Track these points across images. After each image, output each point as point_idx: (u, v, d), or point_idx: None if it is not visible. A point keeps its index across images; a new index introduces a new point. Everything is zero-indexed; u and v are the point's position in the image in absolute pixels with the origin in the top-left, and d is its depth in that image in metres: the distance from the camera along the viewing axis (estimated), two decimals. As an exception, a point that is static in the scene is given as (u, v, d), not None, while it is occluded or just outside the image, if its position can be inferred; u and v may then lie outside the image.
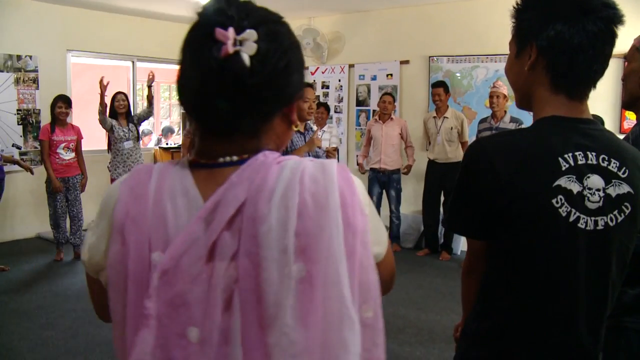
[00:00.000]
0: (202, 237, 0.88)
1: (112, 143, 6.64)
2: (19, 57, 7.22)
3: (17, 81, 7.23)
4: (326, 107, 7.48)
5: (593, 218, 1.28)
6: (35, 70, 7.37)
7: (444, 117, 6.57)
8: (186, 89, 0.96)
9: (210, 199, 0.90)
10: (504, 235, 1.31)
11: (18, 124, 7.25)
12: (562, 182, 1.26)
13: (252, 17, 0.92)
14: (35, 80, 7.39)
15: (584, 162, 1.28)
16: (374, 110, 7.76)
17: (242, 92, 0.90)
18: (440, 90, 6.52)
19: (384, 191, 7.08)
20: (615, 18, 1.28)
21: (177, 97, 1.01)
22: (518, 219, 1.28)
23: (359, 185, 0.96)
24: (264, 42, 0.90)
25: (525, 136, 1.34)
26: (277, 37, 0.94)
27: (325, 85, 8.42)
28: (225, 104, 0.91)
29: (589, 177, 1.28)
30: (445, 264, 6.55)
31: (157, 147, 9.25)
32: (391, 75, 7.71)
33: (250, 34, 0.89)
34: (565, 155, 1.27)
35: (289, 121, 1.03)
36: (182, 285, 0.88)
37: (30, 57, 7.30)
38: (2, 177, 5.96)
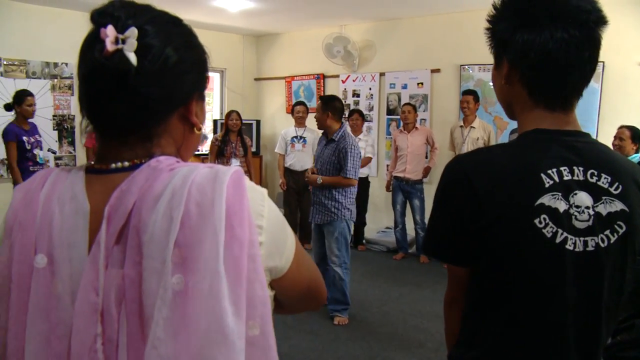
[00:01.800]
0: (97, 252, 0.86)
1: None
2: (55, 65, 7.36)
3: (53, 88, 7.38)
4: (361, 114, 7.48)
5: (582, 238, 1.17)
6: (71, 77, 7.51)
7: (471, 127, 6.47)
8: (79, 91, 0.95)
9: (105, 210, 0.87)
10: (485, 259, 1.20)
11: (53, 130, 7.38)
12: (546, 200, 1.16)
13: (140, 16, 0.92)
14: (70, 87, 7.53)
15: (569, 177, 1.18)
16: (404, 120, 7.72)
17: (127, 91, 0.89)
18: (469, 98, 6.42)
19: (407, 201, 7.03)
20: (590, 22, 1.18)
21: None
22: (499, 242, 1.18)
23: (256, 194, 0.92)
24: (153, 40, 0.90)
25: (505, 151, 1.26)
26: (167, 35, 0.93)
27: (355, 94, 8.40)
28: (111, 104, 0.91)
29: (575, 194, 1.18)
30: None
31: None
32: (422, 84, 7.65)
33: (131, 32, 0.88)
34: (549, 171, 1.17)
35: (189, 123, 1.00)
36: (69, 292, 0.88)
37: (66, 64, 7.44)
38: None
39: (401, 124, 7.49)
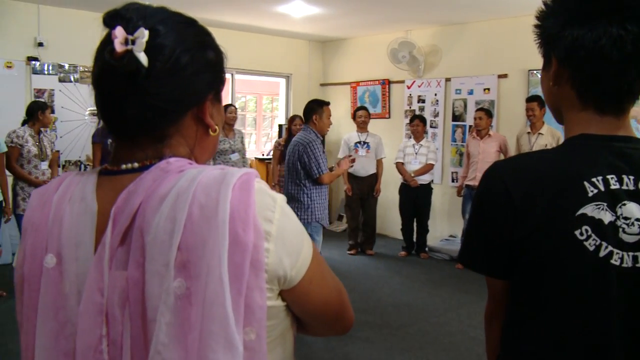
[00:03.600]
0: (102, 252, 0.86)
1: (217, 155, 6.83)
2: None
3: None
4: (422, 119, 7.39)
5: (632, 253, 1.07)
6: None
7: (539, 133, 6.27)
8: (95, 93, 0.96)
9: (111, 211, 0.88)
10: (522, 272, 1.13)
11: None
12: (588, 210, 1.07)
13: (152, 18, 0.91)
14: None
15: (617, 187, 1.08)
16: (470, 126, 7.55)
17: (137, 91, 0.89)
18: (534, 104, 6.22)
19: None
20: None
21: None
22: (537, 254, 1.10)
23: (267, 198, 0.89)
24: (165, 40, 0.90)
25: (546, 158, 1.18)
26: (179, 36, 0.92)
27: (420, 100, 8.29)
28: (122, 105, 0.90)
29: (624, 204, 1.07)
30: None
31: (253, 158, 9.46)
32: (488, 89, 7.47)
33: (141, 32, 0.87)
34: (593, 179, 1.08)
35: (204, 124, 0.99)
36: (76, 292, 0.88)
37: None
38: None
39: (467, 130, 7.38)
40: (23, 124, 5.65)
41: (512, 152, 6.72)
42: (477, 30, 7.58)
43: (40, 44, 7.00)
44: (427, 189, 7.39)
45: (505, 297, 1.22)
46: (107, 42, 0.90)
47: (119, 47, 0.86)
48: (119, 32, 0.87)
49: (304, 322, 1.04)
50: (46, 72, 7.11)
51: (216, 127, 1.00)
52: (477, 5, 6.67)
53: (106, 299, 0.85)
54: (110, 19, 0.91)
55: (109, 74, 0.90)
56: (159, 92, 0.90)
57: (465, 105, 7.75)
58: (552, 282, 1.10)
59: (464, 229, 6.91)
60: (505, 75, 7.30)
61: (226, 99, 9.41)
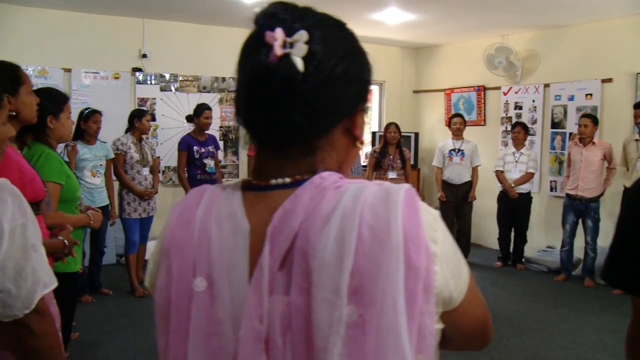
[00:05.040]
0: (260, 276, 0.82)
1: None
2: (223, 79, 7.88)
3: (221, 101, 7.89)
4: (524, 126, 7.21)
5: None
6: (237, 91, 7.96)
7: (648, 140, 5.94)
8: (237, 98, 0.91)
9: (267, 231, 0.82)
10: None
11: (220, 140, 7.83)
12: None
13: (307, 20, 0.85)
14: (236, 100, 7.98)
15: None
16: (570, 133, 7.27)
17: (293, 99, 0.83)
18: (643, 111, 5.88)
19: (579, 220, 6.56)
20: None
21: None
22: None
23: (429, 217, 0.84)
24: (320, 46, 0.84)
25: None
26: (334, 41, 0.86)
27: (518, 106, 8.05)
28: (275, 112, 0.84)
29: None
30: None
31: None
32: (591, 95, 7.14)
33: (301, 35, 0.82)
34: None
35: (352, 137, 0.93)
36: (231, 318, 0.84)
37: (233, 78, 7.86)
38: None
39: (567, 137, 7.11)
40: (126, 131, 5.92)
41: (617, 160, 6.41)
42: (578, 33, 7.28)
43: (144, 56, 7.36)
44: (526, 198, 7.17)
45: None
46: (258, 44, 0.84)
47: (278, 50, 0.81)
48: (279, 34, 0.81)
49: (451, 338, 0.97)
50: (149, 82, 7.45)
51: (363, 139, 0.95)
52: (578, 7, 6.41)
53: (266, 326, 0.81)
54: (265, 19, 0.85)
55: (264, 78, 0.83)
56: (316, 100, 0.84)
57: (566, 112, 7.45)
58: None
59: (563, 239, 6.65)
60: (609, 80, 6.94)
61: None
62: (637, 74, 6.65)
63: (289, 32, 0.83)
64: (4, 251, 1.40)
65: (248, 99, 0.88)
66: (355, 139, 0.94)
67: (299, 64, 0.81)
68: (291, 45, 0.82)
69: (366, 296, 0.76)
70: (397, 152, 7.05)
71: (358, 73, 0.91)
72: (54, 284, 1.53)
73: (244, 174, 7.81)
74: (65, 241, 2.39)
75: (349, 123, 0.92)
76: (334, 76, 0.85)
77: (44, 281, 1.49)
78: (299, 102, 0.83)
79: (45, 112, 2.84)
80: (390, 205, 0.79)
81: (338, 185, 0.84)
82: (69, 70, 6.92)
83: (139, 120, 5.79)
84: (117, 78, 7.26)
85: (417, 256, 0.78)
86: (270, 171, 0.89)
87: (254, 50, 0.85)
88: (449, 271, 0.84)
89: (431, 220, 0.84)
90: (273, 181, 0.88)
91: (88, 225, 3.04)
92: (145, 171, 5.89)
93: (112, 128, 6.37)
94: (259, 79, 0.84)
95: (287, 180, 0.87)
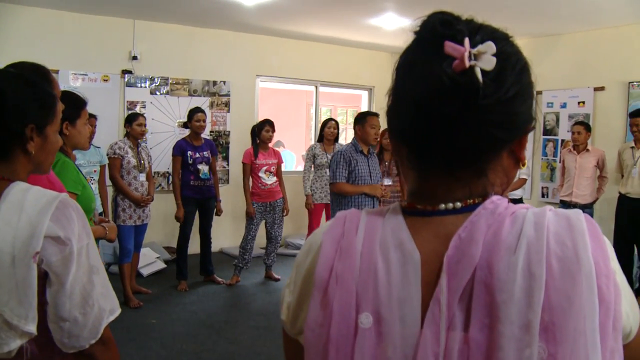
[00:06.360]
0: (436, 311, 0.76)
1: (316, 168, 6.84)
2: (214, 83, 7.74)
3: (211, 105, 7.75)
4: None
5: None
6: (228, 95, 7.88)
7: (645, 148, 5.99)
8: (401, 114, 0.84)
9: (443, 262, 0.77)
10: None
11: (210, 145, 7.73)
12: None
13: (483, 32, 0.80)
14: (227, 104, 7.89)
15: None
16: (562, 140, 7.32)
17: (474, 115, 0.77)
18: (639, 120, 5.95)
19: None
20: None
21: (387, 127, 0.89)
22: None
23: (609, 247, 0.78)
24: (499, 59, 0.77)
25: None
26: (509, 56, 0.80)
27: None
28: (452, 130, 0.78)
29: None
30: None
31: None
32: (583, 102, 7.20)
33: (489, 46, 0.76)
34: None
35: (516, 158, 0.86)
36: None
37: (224, 82, 7.79)
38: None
39: (559, 144, 7.14)
40: (124, 136, 5.77)
41: (610, 167, 6.46)
42: (572, 41, 7.34)
43: (135, 58, 7.19)
44: (518, 204, 7.14)
45: None
46: (438, 56, 0.77)
47: (467, 61, 0.74)
48: (467, 45, 0.75)
49: None
50: (139, 85, 7.28)
51: (526, 161, 0.88)
52: (572, 16, 6.46)
53: None
54: (444, 27, 0.79)
55: (447, 92, 0.76)
56: (496, 117, 0.78)
57: (558, 119, 7.49)
58: None
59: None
60: (602, 88, 7.02)
61: (310, 111, 9.43)
62: (630, 82, 6.74)
63: (473, 44, 0.76)
64: (72, 275, 1.29)
65: (422, 114, 0.80)
66: (518, 160, 0.87)
67: (480, 78, 0.75)
68: (475, 57, 0.76)
69: (557, 333, 0.71)
70: (392, 158, 6.99)
71: (531, 90, 0.84)
72: (118, 309, 1.42)
73: (234, 180, 7.66)
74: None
75: (517, 143, 0.85)
76: (514, 92, 0.79)
77: (110, 307, 1.38)
78: (479, 119, 0.77)
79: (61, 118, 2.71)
80: (577, 235, 0.75)
81: (512, 211, 0.79)
82: (56, 72, 6.65)
83: (129, 125, 5.64)
84: (106, 80, 7.06)
85: (607, 290, 0.74)
86: (436, 195, 0.83)
87: (431, 62, 0.78)
88: (627, 303, 0.80)
89: (610, 250, 0.79)
90: (442, 206, 0.82)
91: (104, 238, 2.90)
92: (142, 177, 5.73)
93: (100, 132, 6.22)
94: (441, 93, 0.77)
95: (459, 204, 0.82)
